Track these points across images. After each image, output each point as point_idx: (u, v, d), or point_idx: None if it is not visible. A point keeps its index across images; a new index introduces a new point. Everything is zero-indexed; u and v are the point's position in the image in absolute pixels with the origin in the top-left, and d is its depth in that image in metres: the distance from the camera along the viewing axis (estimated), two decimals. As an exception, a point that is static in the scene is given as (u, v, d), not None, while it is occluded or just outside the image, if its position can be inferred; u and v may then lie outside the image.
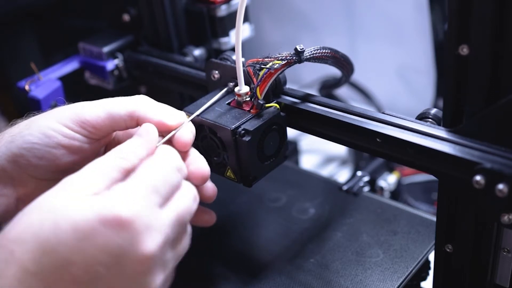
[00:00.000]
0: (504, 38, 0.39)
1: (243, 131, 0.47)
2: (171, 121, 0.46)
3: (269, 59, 0.48)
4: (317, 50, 0.48)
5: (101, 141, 0.48)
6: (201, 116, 0.49)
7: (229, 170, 0.50)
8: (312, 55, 0.48)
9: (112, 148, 0.50)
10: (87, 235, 0.36)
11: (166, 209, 0.40)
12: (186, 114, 0.48)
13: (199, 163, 0.47)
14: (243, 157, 0.48)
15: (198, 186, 0.48)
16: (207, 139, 0.50)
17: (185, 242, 0.42)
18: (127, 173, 0.40)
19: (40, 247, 0.36)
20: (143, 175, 0.40)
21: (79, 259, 0.36)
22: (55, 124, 0.45)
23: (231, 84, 0.52)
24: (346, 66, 0.53)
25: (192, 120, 0.48)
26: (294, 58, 0.47)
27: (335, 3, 1.05)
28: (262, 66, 0.48)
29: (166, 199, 0.40)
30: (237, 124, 0.48)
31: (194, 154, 0.47)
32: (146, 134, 0.43)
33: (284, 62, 0.47)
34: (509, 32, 0.38)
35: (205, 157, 0.48)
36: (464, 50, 0.41)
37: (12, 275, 0.35)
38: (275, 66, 0.47)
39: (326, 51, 0.49)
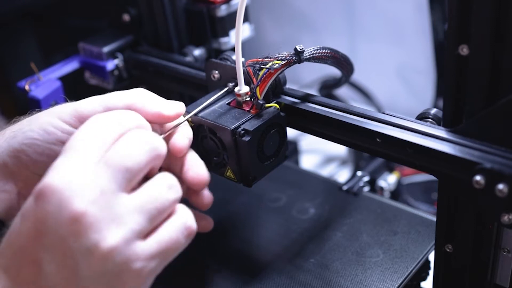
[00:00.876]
0: (504, 38, 0.39)
1: (243, 131, 0.47)
2: (169, 112, 0.45)
3: (269, 59, 0.48)
4: (317, 50, 0.48)
5: None
6: (201, 116, 0.49)
7: (229, 170, 0.50)
8: (312, 55, 0.48)
9: None
10: (26, 214, 0.38)
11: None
12: (185, 114, 0.48)
13: (197, 168, 0.46)
14: (243, 157, 0.48)
15: (197, 192, 0.47)
16: (207, 139, 0.50)
17: (171, 224, 0.40)
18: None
19: (6, 242, 0.39)
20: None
21: (24, 238, 0.38)
22: (56, 120, 0.45)
23: (231, 84, 0.52)
24: (346, 66, 0.53)
25: (192, 120, 0.48)
26: (294, 58, 0.47)
27: (335, 3, 1.05)
28: (262, 66, 0.48)
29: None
30: (237, 124, 0.48)
31: (193, 159, 0.47)
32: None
33: (284, 62, 0.47)
34: (509, 32, 0.38)
35: (205, 157, 0.48)
36: (464, 50, 0.41)
37: None
38: (275, 66, 0.47)
39: (326, 51, 0.49)
